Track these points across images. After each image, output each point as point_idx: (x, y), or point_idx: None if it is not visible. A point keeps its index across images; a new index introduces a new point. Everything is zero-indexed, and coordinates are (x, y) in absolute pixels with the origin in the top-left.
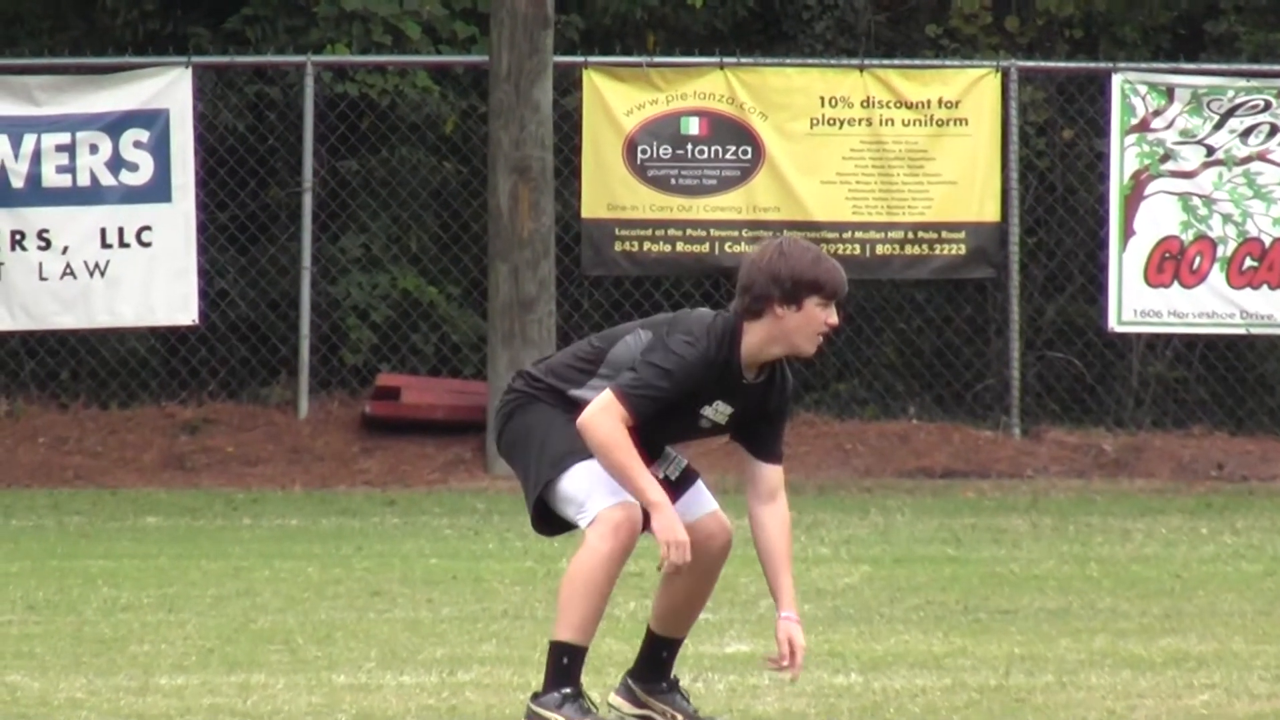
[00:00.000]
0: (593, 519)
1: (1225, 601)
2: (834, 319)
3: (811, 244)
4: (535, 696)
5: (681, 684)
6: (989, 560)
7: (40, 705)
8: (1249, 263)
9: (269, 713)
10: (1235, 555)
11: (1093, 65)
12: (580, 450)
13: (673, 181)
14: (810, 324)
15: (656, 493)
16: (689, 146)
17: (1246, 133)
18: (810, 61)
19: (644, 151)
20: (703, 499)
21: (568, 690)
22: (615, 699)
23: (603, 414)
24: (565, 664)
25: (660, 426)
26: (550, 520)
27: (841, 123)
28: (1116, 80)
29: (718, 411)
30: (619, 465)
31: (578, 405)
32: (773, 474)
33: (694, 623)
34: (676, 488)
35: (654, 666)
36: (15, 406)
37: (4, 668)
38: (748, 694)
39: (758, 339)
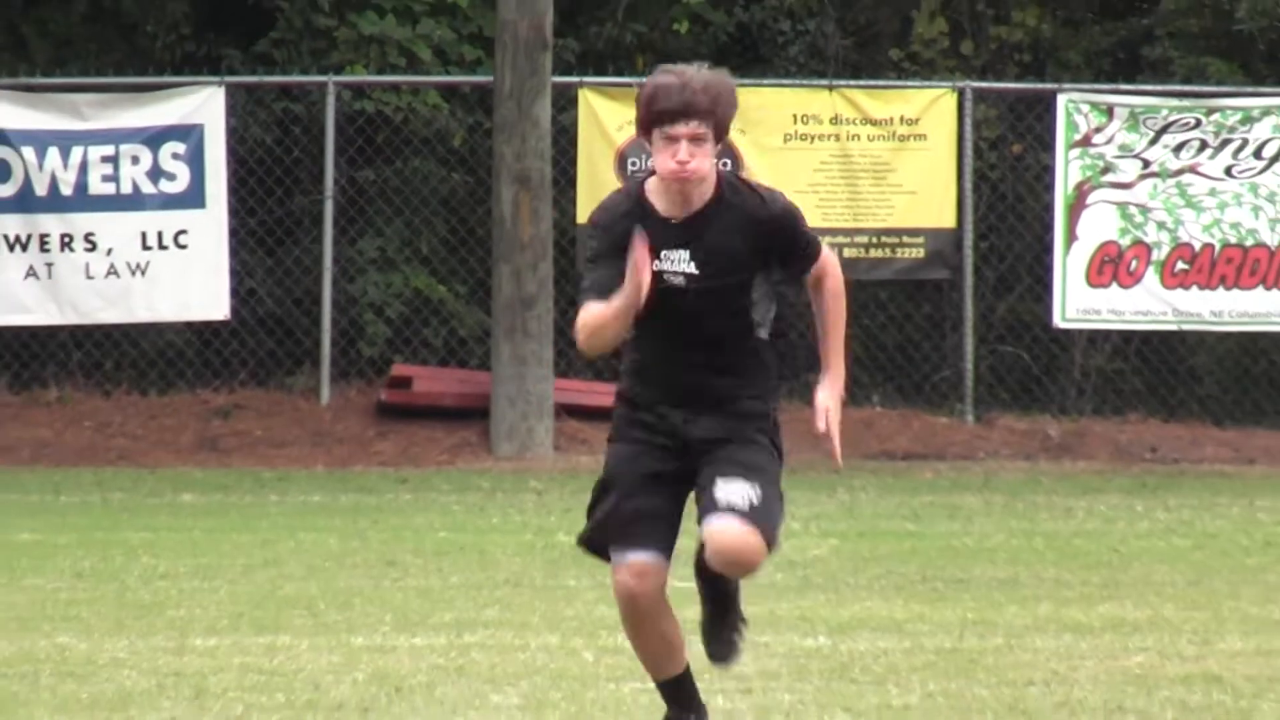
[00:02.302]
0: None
1: (1158, 572)
2: (680, 156)
3: (679, 67)
4: None
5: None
6: (945, 534)
7: (86, 664)
8: (1180, 265)
9: (293, 671)
10: (1168, 530)
11: (1040, 86)
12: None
13: None
14: (660, 158)
15: (619, 298)
16: None
17: (1179, 148)
18: (784, 82)
19: (633, 164)
20: (719, 495)
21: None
22: None
23: (577, 323)
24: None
25: (657, 318)
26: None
27: (812, 138)
28: (1061, 100)
29: (672, 260)
30: (595, 325)
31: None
32: (813, 270)
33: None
34: (702, 466)
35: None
36: (64, 393)
37: (54, 630)
38: (738, 662)
39: (654, 174)
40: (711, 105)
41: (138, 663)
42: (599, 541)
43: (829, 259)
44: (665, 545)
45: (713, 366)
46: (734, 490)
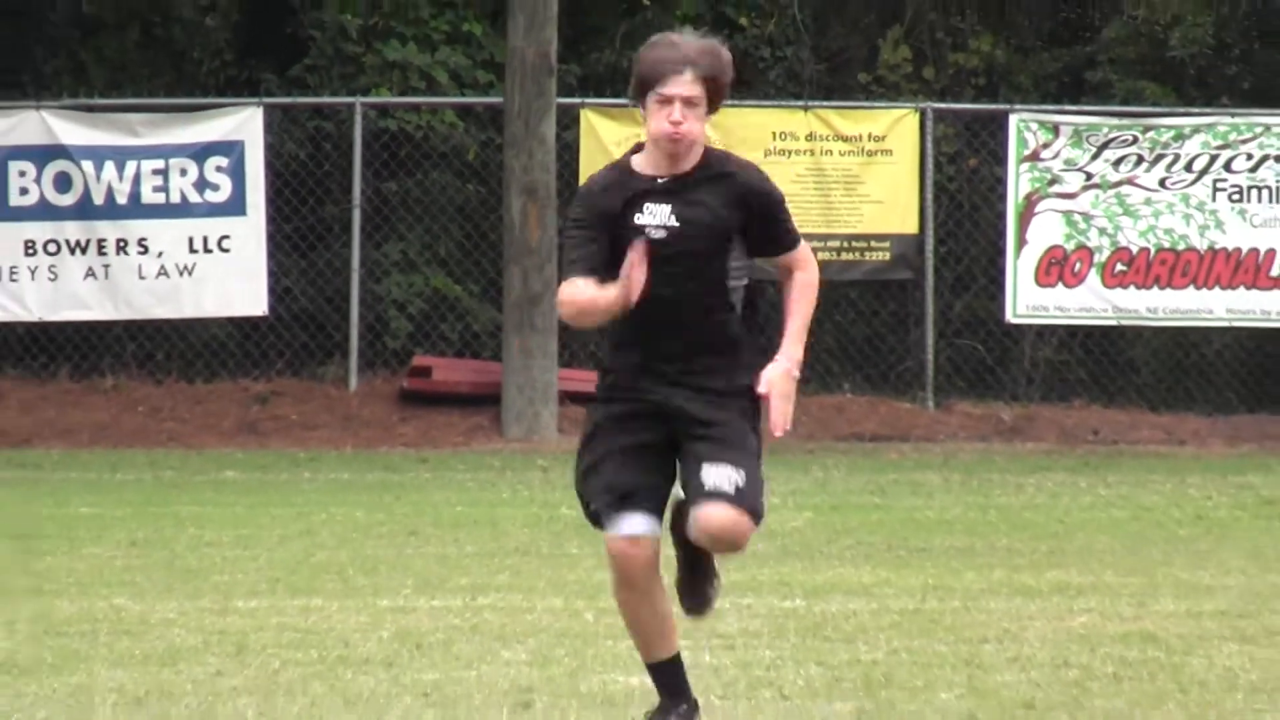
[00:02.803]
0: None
1: (1099, 542)
2: (674, 118)
3: (673, 33)
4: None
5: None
6: (908, 508)
7: (140, 623)
8: (1119, 267)
9: (325, 630)
10: (1108, 504)
11: (994, 106)
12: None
13: None
14: (655, 124)
15: (609, 295)
16: None
17: (1118, 162)
18: (764, 103)
19: None
20: (703, 477)
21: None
22: None
23: (560, 296)
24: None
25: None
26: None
27: (789, 153)
28: (1013, 119)
29: (654, 215)
30: (583, 308)
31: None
32: (786, 258)
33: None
34: (684, 463)
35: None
36: (119, 382)
37: (110, 593)
38: (712, 615)
39: (646, 141)
40: (707, 67)
41: (186, 622)
42: (597, 514)
43: (806, 253)
44: (657, 513)
45: (690, 342)
46: (720, 474)
